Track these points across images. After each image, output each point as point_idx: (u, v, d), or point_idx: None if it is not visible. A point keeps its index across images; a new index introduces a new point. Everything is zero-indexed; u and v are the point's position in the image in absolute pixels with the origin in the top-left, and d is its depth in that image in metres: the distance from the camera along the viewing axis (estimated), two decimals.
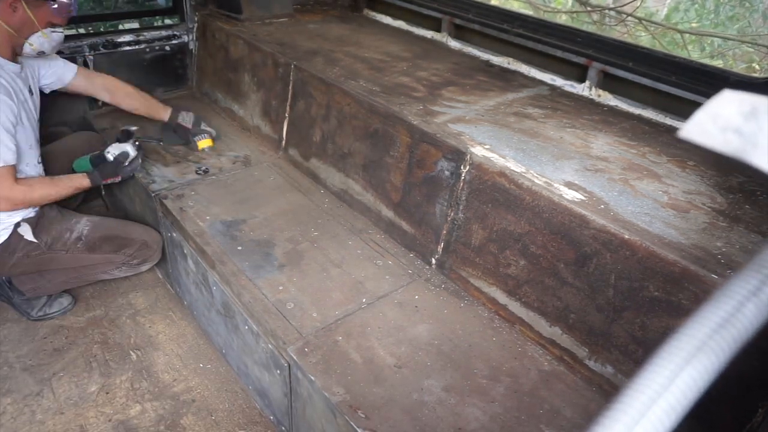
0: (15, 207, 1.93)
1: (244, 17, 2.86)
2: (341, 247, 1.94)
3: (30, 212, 2.02)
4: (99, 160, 2.18)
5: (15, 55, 1.95)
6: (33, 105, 2.06)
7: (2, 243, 1.97)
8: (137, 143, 2.23)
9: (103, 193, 2.84)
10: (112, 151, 2.17)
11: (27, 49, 1.93)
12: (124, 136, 2.23)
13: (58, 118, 2.64)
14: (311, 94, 2.29)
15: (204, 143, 2.49)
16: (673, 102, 2.01)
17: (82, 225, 2.13)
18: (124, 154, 2.17)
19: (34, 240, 2.02)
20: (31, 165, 2.02)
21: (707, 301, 0.31)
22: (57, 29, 1.97)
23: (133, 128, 2.28)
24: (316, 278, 1.79)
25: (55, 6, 1.89)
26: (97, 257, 2.15)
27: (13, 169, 1.87)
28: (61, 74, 2.25)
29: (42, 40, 1.93)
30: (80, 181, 2.07)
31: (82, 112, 2.80)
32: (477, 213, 1.70)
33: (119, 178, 2.17)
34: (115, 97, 2.44)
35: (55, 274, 2.19)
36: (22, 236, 2.00)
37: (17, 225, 2.00)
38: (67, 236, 2.09)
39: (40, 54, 1.99)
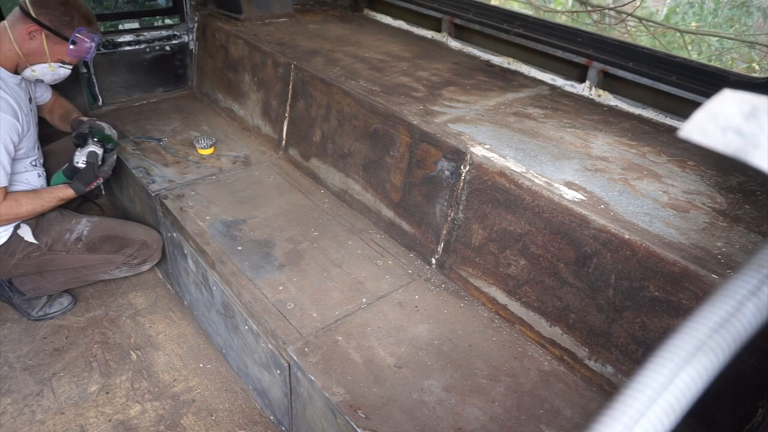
0: (1, 224, 1.94)
1: (244, 17, 2.86)
2: (341, 247, 1.94)
3: None
4: (72, 172, 2.11)
5: (15, 71, 1.93)
6: (33, 112, 2.06)
7: (2, 245, 1.98)
8: (95, 139, 2.12)
9: (103, 192, 2.85)
10: (80, 159, 2.09)
11: (27, 73, 1.92)
12: (81, 139, 2.11)
13: None
14: (311, 94, 2.29)
15: (205, 151, 2.49)
16: (673, 102, 2.01)
17: (82, 226, 2.13)
18: (93, 155, 2.09)
19: (35, 241, 2.02)
20: (29, 168, 2.03)
21: (707, 300, 0.31)
22: (66, 66, 1.97)
23: (85, 128, 2.12)
24: (316, 278, 1.79)
25: (72, 48, 1.91)
26: (98, 257, 2.15)
27: (5, 189, 1.88)
28: (44, 96, 2.25)
29: (46, 71, 1.93)
30: (64, 192, 2.04)
31: (82, 112, 2.80)
32: (477, 213, 1.70)
33: (101, 179, 2.13)
34: (53, 118, 2.32)
35: (56, 274, 2.19)
36: (23, 238, 2.00)
37: (17, 227, 2.00)
38: (67, 237, 2.09)
39: (38, 81, 2.02)
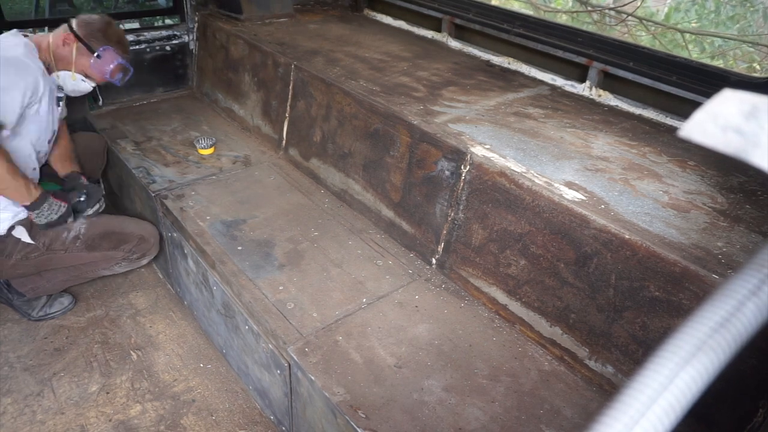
0: None
1: (245, 17, 2.86)
2: (341, 247, 1.94)
3: (21, 214, 2.01)
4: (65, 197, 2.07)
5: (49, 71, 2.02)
6: (59, 110, 2.11)
7: None
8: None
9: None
10: (92, 211, 2.14)
11: (52, 77, 2.02)
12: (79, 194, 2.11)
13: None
14: (311, 94, 2.29)
15: (205, 151, 2.49)
16: (673, 102, 2.01)
17: (79, 223, 2.12)
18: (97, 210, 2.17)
19: (31, 242, 2.01)
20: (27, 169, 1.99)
21: (707, 300, 0.31)
22: (88, 80, 2.08)
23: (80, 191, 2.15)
24: (317, 278, 1.79)
25: (93, 61, 2.03)
26: (97, 255, 2.15)
27: None
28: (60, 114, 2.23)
29: (68, 79, 2.05)
30: (32, 193, 1.90)
31: (83, 113, 2.80)
32: (477, 213, 1.70)
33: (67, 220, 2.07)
34: (54, 153, 2.24)
35: (55, 273, 2.19)
36: (19, 239, 1.99)
37: (11, 228, 1.98)
38: (65, 236, 2.08)
39: (59, 88, 2.07)
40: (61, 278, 2.22)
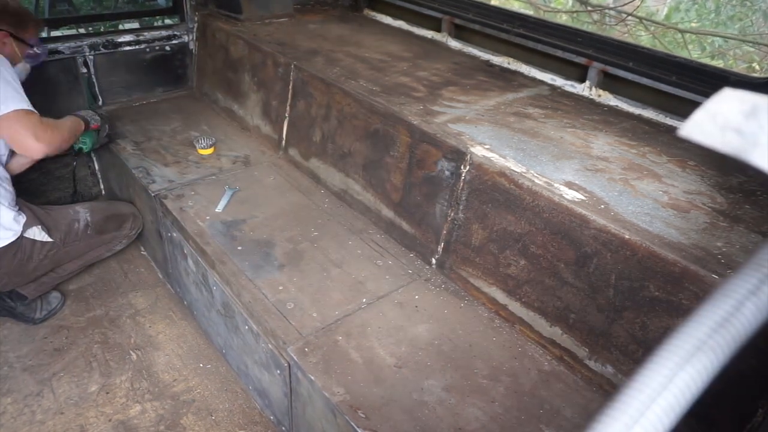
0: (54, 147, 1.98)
1: (244, 17, 2.86)
2: (341, 247, 1.94)
3: (21, 214, 2.01)
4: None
5: None
6: None
7: (17, 251, 1.98)
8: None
9: (103, 193, 2.86)
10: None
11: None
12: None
13: (57, 115, 2.64)
14: (311, 94, 2.28)
15: (205, 151, 2.49)
16: (673, 102, 2.01)
17: (83, 212, 2.21)
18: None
19: (50, 239, 2.06)
20: None
21: (707, 300, 0.31)
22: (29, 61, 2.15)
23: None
24: (316, 278, 1.79)
25: (31, 52, 2.10)
26: (106, 237, 2.28)
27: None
28: None
29: (21, 71, 2.08)
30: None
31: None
32: (477, 213, 1.70)
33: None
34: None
35: (66, 266, 2.24)
36: (35, 240, 2.01)
37: (24, 230, 1.99)
38: (77, 226, 2.16)
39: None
40: (70, 269, 2.27)
